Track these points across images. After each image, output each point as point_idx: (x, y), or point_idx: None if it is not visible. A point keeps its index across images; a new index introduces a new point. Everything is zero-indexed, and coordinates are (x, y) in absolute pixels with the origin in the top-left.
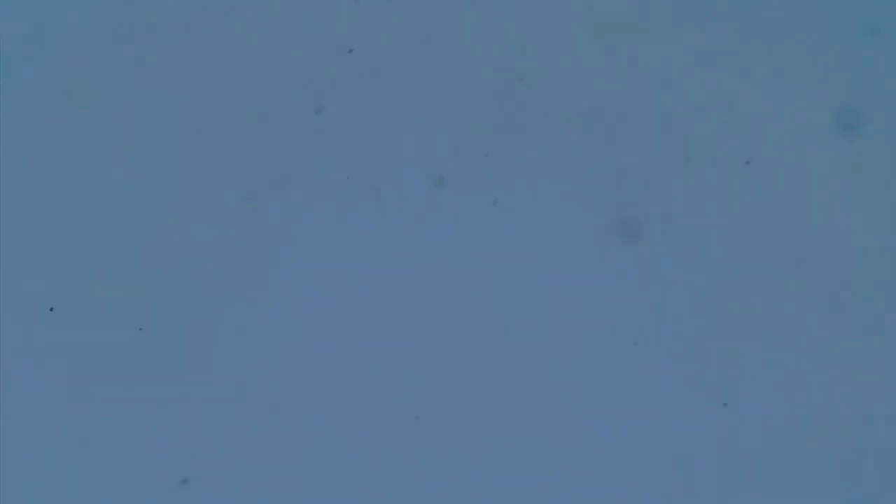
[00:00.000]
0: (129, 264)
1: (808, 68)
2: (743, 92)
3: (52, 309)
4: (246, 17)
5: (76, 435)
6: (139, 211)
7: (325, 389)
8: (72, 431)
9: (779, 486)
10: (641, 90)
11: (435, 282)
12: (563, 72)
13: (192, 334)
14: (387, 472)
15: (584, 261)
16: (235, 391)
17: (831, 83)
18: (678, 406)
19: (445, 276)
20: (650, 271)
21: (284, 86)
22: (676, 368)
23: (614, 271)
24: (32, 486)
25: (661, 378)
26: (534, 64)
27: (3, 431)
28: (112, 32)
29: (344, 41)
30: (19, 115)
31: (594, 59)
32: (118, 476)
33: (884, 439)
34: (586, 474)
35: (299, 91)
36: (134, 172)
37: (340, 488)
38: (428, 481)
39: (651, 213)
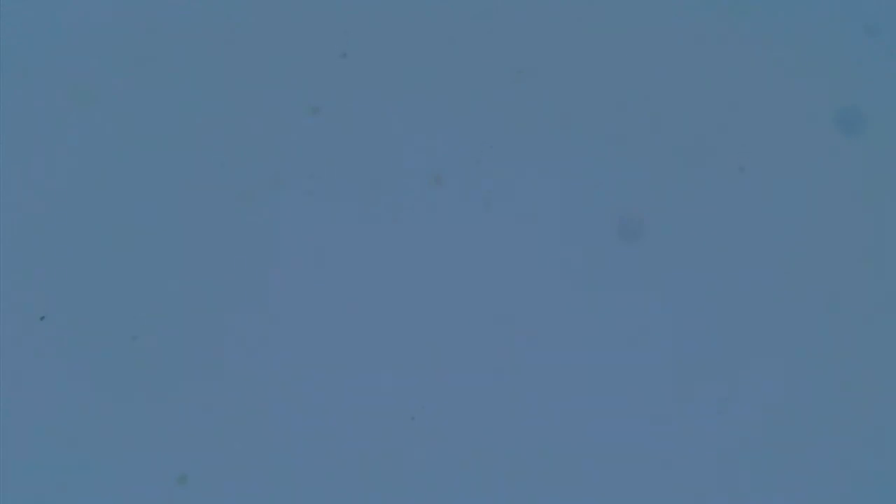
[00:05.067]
0: (122, 272)
1: (808, 68)
2: (743, 91)
3: (42, 318)
4: (243, 21)
5: (72, 439)
6: (133, 218)
7: (322, 388)
8: (67, 436)
9: (773, 488)
10: (640, 90)
11: (432, 281)
12: (560, 73)
13: (186, 336)
14: (383, 470)
15: (580, 260)
16: (231, 393)
17: (831, 83)
18: (674, 407)
19: (443, 275)
20: (646, 272)
21: (281, 87)
22: (672, 369)
23: (610, 271)
24: (29, 487)
25: (657, 379)
26: (531, 65)
27: (2, 426)
28: (108, 34)
29: (338, 44)
30: (9, 121)
31: (592, 59)
32: (115, 476)
33: (881, 442)
34: (581, 474)
35: (296, 92)
36: (128, 177)
37: (337, 486)
38: (424, 480)
39: (649, 213)
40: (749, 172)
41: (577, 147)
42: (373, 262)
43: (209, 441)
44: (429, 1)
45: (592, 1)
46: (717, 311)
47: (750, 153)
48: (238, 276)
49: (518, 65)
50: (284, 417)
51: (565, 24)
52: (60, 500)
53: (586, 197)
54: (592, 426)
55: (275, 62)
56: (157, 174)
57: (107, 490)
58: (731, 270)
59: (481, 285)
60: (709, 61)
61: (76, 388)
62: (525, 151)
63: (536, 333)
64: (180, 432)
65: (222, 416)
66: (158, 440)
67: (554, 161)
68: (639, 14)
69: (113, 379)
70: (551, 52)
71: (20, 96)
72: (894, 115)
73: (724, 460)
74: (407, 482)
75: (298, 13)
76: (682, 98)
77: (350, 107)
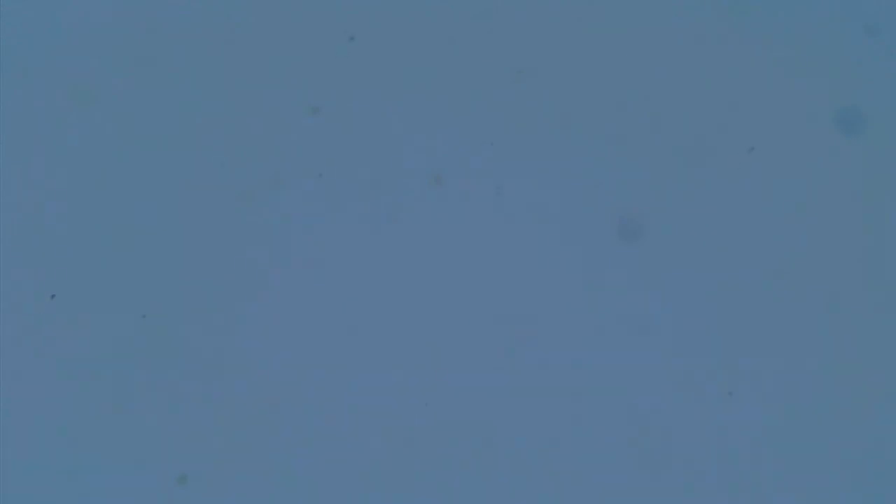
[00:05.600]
0: (132, 252)
1: (808, 68)
2: (742, 91)
3: (53, 296)
4: (242, 22)
5: (75, 427)
6: (132, 221)
7: (322, 388)
8: (71, 423)
9: (783, 477)
10: (640, 90)
11: (432, 281)
12: (560, 73)
13: (185, 337)
14: (383, 471)
15: (580, 259)
16: (231, 393)
17: (831, 83)
18: (674, 407)
19: (443, 275)
20: (646, 272)
21: (281, 87)
22: (672, 370)
23: (617, 262)
24: (29, 479)
25: (657, 380)
26: (531, 65)
27: (0, 422)
28: (108, 34)
29: (337, 44)
30: (21, 106)
31: (592, 59)
32: (115, 476)
33: (887, 432)
34: (582, 475)
35: (296, 91)
36: (128, 177)
37: (338, 486)
38: (424, 480)
39: (649, 212)
40: (749, 173)
41: (577, 147)
42: (372, 261)
43: (209, 441)
44: (427, 1)
45: (592, 1)
46: (718, 312)
47: (749, 154)
48: (238, 277)
49: (518, 65)
50: (284, 417)
51: (565, 24)
52: (60, 500)
53: (586, 197)
54: (593, 426)
55: (274, 63)
56: (157, 174)
57: (107, 490)
58: (731, 270)
59: (481, 285)
60: (708, 61)
61: (76, 388)
62: (525, 151)
63: (536, 333)
64: (180, 432)
65: (222, 416)
66: (158, 440)
67: (554, 161)
68: (639, 14)
69: (112, 379)
70: (551, 52)
71: (20, 96)
72: (894, 115)
73: (727, 460)
74: (407, 482)
75: (296, 14)
76: (682, 98)
77: (350, 107)
